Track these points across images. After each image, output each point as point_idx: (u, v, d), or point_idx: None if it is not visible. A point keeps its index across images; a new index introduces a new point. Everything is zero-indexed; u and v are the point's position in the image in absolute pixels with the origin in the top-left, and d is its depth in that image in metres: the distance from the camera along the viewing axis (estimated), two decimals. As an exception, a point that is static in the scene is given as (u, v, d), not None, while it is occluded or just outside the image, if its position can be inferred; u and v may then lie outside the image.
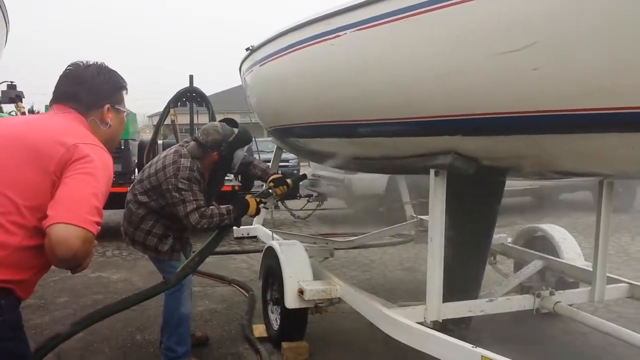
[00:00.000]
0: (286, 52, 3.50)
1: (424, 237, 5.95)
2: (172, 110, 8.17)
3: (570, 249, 4.45)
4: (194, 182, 3.38)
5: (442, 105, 2.66)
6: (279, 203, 7.56)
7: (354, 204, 10.60)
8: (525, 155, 2.71)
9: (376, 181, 9.03)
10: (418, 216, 6.07)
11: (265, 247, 4.31)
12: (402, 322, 2.98)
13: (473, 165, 2.93)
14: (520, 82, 2.32)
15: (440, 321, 3.21)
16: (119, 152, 7.81)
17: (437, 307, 3.15)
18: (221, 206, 3.50)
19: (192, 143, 3.52)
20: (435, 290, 3.13)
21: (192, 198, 3.34)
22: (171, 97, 8.10)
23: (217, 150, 3.50)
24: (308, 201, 9.49)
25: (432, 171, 3.01)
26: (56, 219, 1.57)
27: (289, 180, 3.89)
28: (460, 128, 2.68)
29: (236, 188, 8.30)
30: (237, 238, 5.77)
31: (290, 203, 8.93)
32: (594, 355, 3.89)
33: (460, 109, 2.60)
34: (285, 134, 4.21)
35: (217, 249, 7.37)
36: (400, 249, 7.46)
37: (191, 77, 8.19)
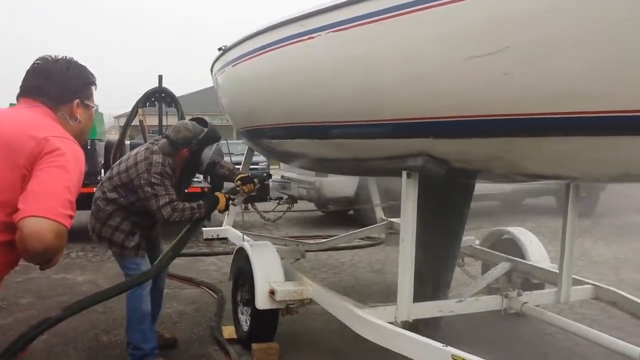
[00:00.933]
0: (259, 52, 3.49)
1: (393, 240, 6.03)
2: (140, 111, 8.04)
3: (537, 252, 4.54)
4: (166, 177, 3.46)
5: (415, 108, 2.69)
6: (250, 205, 7.56)
7: (324, 207, 10.63)
8: (495, 158, 2.76)
9: (346, 184, 9.07)
10: (388, 219, 6.12)
11: (236, 248, 4.29)
12: (374, 322, 3.00)
13: (444, 167, 2.96)
14: (492, 85, 2.36)
15: (411, 321, 3.23)
16: (85, 151, 7.59)
17: (408, 307, 3.18)
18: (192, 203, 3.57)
19: (163, 140, 3.61)
20: (406, 290, 3.15)
21: (164, 192, 3.42)
22: (139, 97, 7.98)
23: (187, 147, 3.59)
24: (278, 204, 9.43)
25: (404, 173, 3.04)
26: (28, 212, 1.53)
27: (255, 180, 3.98)
28: (432, 130, 2.71)
29: (205, 189, 8.23)
30: (206, 239, 5.69)
31: (260, 206, 8.89)
32: (560, 355, 3.97)
33: (432, 111, 2.64)
34: (257, 135, 4.19)
35: (186, 251, 7.44)
36: (370, 252, 7.51)
37: (160, 77, 8.09)
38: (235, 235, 5.21)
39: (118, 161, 3.73)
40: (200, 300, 5.21)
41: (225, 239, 5.62)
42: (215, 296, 5.22)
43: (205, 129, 3.65)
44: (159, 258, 3.52)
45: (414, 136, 2.82)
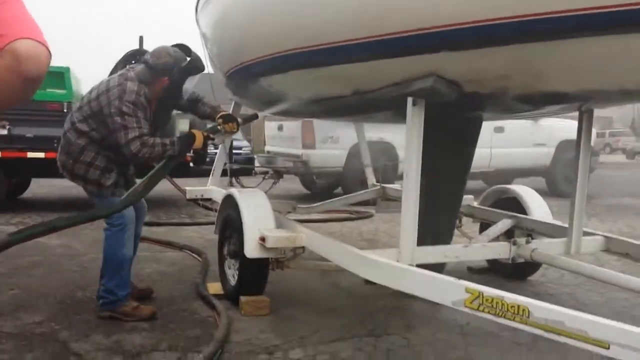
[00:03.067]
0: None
1: (386, 207, 5.77)
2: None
3: (540, 209, 4.31)
4: (139, 108, 3.14)
5: (426, 16, 2.41)
6: (234, 180, 7.30)
7: (311, 182, 10.37)
8: (511, 73, 2.50)
9: (335, 156, 8.81)
10: (381, 184, 5.85)
11: (223, 195, 3.97)
12: (378, 261, 2.74)
13: (455, 90, 2.70)
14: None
15: (414, 266, 2.97)
16: (61, 115, 7.26)
17: (411, 250, 2.91)
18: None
19: (141, 66, 3.26)
20: (409, 231, 2.89)
21: (135, 125, 3.11)
22: (119, 58, 7.58)
23: (168, 75, 3.26)
24: (263, 178, 9.15)
25: (409, 100, 2.77)
26: (18, 34, 1.33)
27: (239, 119, 3.71)
28: (444, 42, 2.43)
29: (188, 159, 7.90)
30: (190, 199, 5.38)
31: (245, 181, 8.63)
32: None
33: (446, 17, 2.36)
34: (247, 74, 3.85)
35: (168, 221, 7.12)
36: (360, 223, 7.26)
37: (141, 38, 7.76)
38: (220, 193, 4.90)
39: (90, 88, 3.39)
40: (182, 262, 4.90)
41: (210, 199, 5.32)
42: (199, 259, 4.90)
43: (189, 58, 3.33)
44: (128, 192, 3.22)
45: (424, 51, 2.54)
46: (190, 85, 3.43)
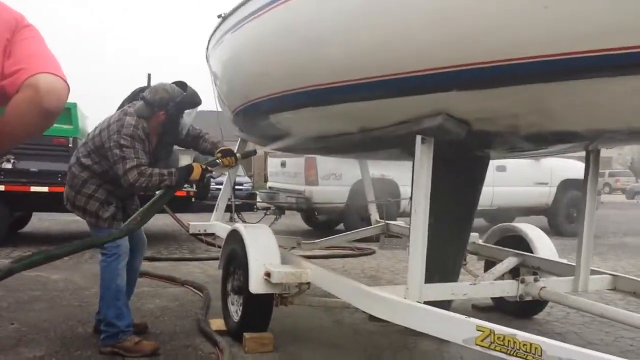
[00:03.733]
0: (263, 11, 3.24)
1: (389, 243, 5.75)
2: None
3: (545, 247, 4.29)
4: (137, 140, 3.26)
5: (437, 55, 2.45)
6: (236, 215, 7.31)
7: (313, 218, 10.35)
8: (522, 112, 2.52)
9: (338, 193, 8.81)
10: (385, 221, 5.85)
11: (229, 230, 3.96)
12: (386, 297, 2.71)
13: (464, 129, 2.72)
14: (529, 22, 2.15)
15: (422, 303, 2.94)
16: (67, 149, 7.31)
17: (419, 287, 2.87)
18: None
19: (140, 102, 3.41)
20: (417, 268, 2.86)
21: (133, 155, 3.22)
22: (127, 95, 7.67)
23: (164, 109, 3.37)
24: (265, 214, 9.15)
25: (418, 138, 2.79)
26: (40, 69, 1.38)
27: (238, 154, 3.76)
28: (455, 81, 2.46)
29: (191, 194, 7.93)
30: (192, 234, 5.36)
31: (247, 217, 8.61)
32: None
33: (457, 58, 2.40)
34: (255, 111, 3.89)
35: (169, 256, 7.08)
36: (362, 260, 7.22)
37: (149, 75, 7.81)
38: (224, 229, 4.89)
39: (94, 126, 3.52)
40: (184, 298, 4.84)
41: (213, 234, 5.30)
42: (201, 294, 4.85)
43: (185, 93, 3.43)
44: (126, 222, 3.28)
45: (434, 90, 2.57)
46: (188, 120, 3.51)
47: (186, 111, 3.47)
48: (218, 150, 3.70)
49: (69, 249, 2.88)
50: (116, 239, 3.22)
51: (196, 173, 3.43)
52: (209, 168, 3.59)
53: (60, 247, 2.78)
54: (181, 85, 3.52)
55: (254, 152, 4.34)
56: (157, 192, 3.50)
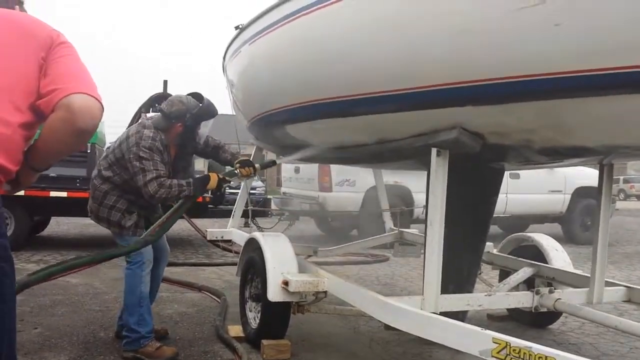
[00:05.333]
0: (280, 24, 3.31)
1: (403, 251, 5.79)
2: (143, 116, 7.83)
3: (560, 258, 4.31)
4: (155, 152, 3.34)
5: (454, 70, 2.51)
6: (250, 221, 7.39)
7: (327, 224, 10.39)
8: (536, 128, 2.58)
9: (352, 199, 8.87)
10: (399, 228, 5.89)
11: (247, 239, 4.04)
12: (404, 309, 2.76)
13: (479, 143, 2.78)
14: (541, 40, 2.20)
15: (438, 313, 2.99)
16: (84, 156, 7.42)
17: (435, 298, 2.93)
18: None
19: (157, 115, 3.51)
20: (433, 279, 2.91)
21: (152, 167, 3.30)
22: (143, 102, 7.79)
23: (181, 121, 3.46)
24: (279, 219, 9.22)
25: (433, 151, 2.85)
26: (74, 89, 1.45)
27: (257, 165, 3.83)
28: (471, 96, 2.52)
29: (207, 200, 8.02)
30: (210, 241, 5.45)
31: (261, 222, 8.69)
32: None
33: (473, 73, 2.46)
34: (272, 121, 3.97)
35: (186, 261, 7.17)
36: (376, 267, 7.26)
37: (165, 82, 7.94)
38: (241, 236, 4.97)
39: (115, 139, 3.62)
40: (202, 304, 4.93)
41: (230, 241, 5.38)
42: (219, 300, 4.93)
43: (201, 104, 3.52)
44: (146, 232, 3.37)
45: (450, 105, 2.63)
46: (205, 130, 3.62)
47: (203, 122, 3.58)
48: (237, 160, 3.78)
49: (92, 259, 2.89)
50: (138, 248, 3.29)
51: (213, 182, 3.52)
52: (227, 178, 3.69)
53: (82, 258, 2.80)
54: (197, 96, 3.62)
55: (274, 163, 4.42)
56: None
